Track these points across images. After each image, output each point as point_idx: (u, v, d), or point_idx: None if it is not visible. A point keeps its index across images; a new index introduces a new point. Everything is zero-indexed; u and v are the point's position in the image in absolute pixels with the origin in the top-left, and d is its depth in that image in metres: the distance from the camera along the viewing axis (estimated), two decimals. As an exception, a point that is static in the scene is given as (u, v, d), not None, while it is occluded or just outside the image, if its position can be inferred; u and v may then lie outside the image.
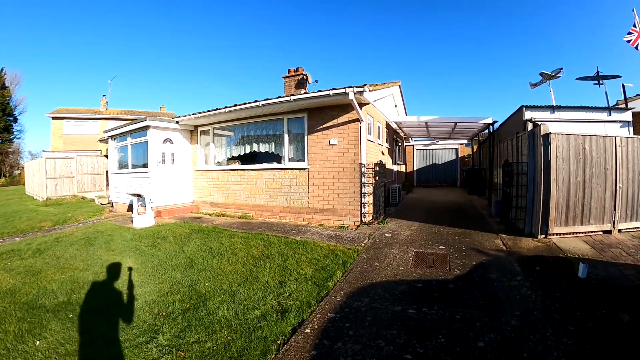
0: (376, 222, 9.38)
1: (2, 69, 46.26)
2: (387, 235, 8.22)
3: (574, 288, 4.70)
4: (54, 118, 27.46)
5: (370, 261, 6.37)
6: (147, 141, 11.76)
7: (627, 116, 9.57)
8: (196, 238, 8.18)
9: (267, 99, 9.50)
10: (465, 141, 22.62)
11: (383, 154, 12.33)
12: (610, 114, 9.47)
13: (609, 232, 7.47)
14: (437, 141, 22.84)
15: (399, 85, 15.03)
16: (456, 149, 23.30)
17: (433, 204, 13.39)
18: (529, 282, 5.02)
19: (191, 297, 5.05)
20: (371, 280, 5.40)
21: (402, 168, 20.43)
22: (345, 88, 8.26)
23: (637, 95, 12.46)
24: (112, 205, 14.49)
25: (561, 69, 14.59)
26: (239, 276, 5.78)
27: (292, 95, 9.08)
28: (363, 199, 9.05)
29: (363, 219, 9.15)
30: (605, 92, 12.60)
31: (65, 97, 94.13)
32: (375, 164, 9.39)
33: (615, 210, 7.48)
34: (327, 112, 9.52)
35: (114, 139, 14.19)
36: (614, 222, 7.48)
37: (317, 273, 5.77)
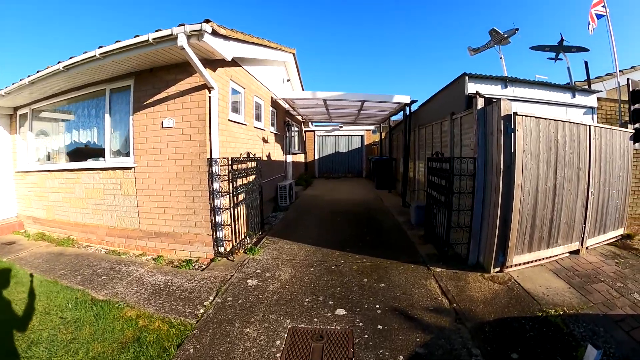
0: (242, 250, 5.88)
1: None
2: (250, 282, 4.76)
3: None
4: None
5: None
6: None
7: (592, 101, 7.35)
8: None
9: (71, 58, 5.50)
10: (373, 127, 20.15)
11: (265, 141, 8.78)
12: (574, 96, 7.09)
13: (576, 252, 5.58)
14: (341, 127, 20.01)
15: (294, 55, 11.52)
16: (362, 136, 20.70)
17: (334, 206, 10.24)
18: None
19: None
20: None
21: (301, 158, 17.18)
22: (172, 28, 4.56)
23: (597, 77, 10.37)
24: None
25: (517, 29, 12.21)
26: None
27: (101, 47, 5.10)
28: (217, 217, 5.46)
29: (219, 248, 5.58)
30: (568, 68, 10.46)
31: None
32: (236, 159, 5.74)
33: (585, 223, 5.56)
34: (162, 77, 5.72)
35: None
36: (582, 239, 5.60)
37: None
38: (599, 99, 7.48)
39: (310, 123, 19.02)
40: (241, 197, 5.96)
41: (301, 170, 17.16)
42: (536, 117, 4.75)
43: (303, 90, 13.86)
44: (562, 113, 6.73)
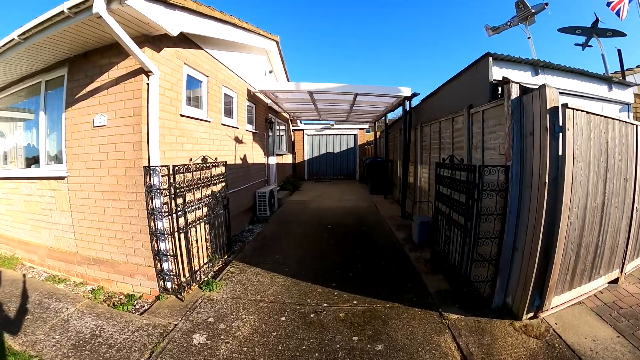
0: (196, 284, 4.53)
1: None
2: (197, 339, 3.45)
3: None
4: None
5: None
6: None
7: (628, 96, 6.17)
8: None
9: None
10: (366, 126, 18.75)
11: (240, 141, 7.42)
12: (610, 89, 5.87)
13: (615, 281, 4.48)
14: (333, 125, 18.60)
15: (277, 43, 10.13)
16: (355, 135, 19.25)
17: (322, 218, 8.70)
18: None
19: None
20: None
21: (288, 159, 15.76)
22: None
23: (628, 69, 9.06)
24: None
25: (546, 4, 10.85)
26: None
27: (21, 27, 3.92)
28: (159, 244, 4.12)
29: (165, 283, 4.25)
30: (602, 56, 9.12)
31: None
32: (184, 167, 4.31)
33: (627, 246, 4.47)
34: (95, 61, 4.38)
35: None
36: (622, 264, 4.50)
37: None
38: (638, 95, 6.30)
39: (299, 121, 17.65)
40: (194, 215, 4.60)
41: (288, 172, 15.75)
42: (587, 113, 3.52)
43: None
44: (598, 109, 5.53)
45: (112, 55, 4.21)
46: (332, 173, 19.38)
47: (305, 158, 19.23)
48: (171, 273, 4.18)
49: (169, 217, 3.97)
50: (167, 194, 3.91)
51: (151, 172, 3.88)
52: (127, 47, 3.63)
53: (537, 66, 4.95)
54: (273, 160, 11.07)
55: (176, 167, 3.95)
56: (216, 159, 5.21)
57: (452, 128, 5.38)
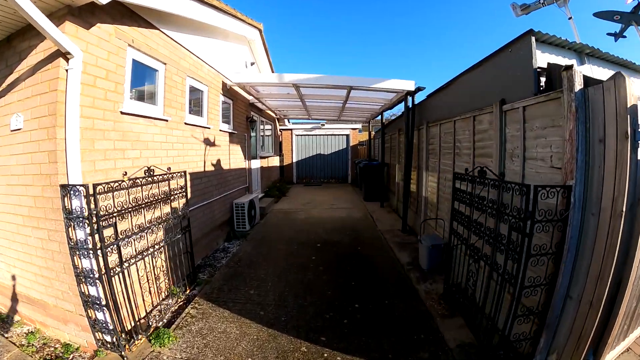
0: (144, 336, 3.44)
1: None
2: None
3: None
4: None
5: None
6: None
7: None
8: None
9: None
10: (359, 125, 17.64)
11: (212, 143, 6.31)
12: None
13: None
14: (324, 124, 17.49)
15: (261, 32, 9.01)
16: (347, 135, 18.13)
17: (310, 233, 7.40)
18: None
19: None
20: None
21: (274, 161, 14.60)
22: None
23: None
24: None
25: None
26: None
27: None
28: (89, 288, 3.05)
29: (103, 335, 3.17)
30: None
31: None
32: (116, 183, 3.19)
33: None
34: (16, 46, 3.31)
35: None
36: None
37: None
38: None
39: (286, 120, 16.51)
40: (135, 248, 3.49)
41: (275, 176, 14.60)
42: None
43: (274, 79, 11.29)
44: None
45: (32, 37, 3.16)
46: (323, 176, 18.27)
47: (294, 160, 18.08)
48: (107, 325, 3.10)
49: (97, 254, 2.87)
50: (87, 221, 2.81)
51: (70, 192, 2.79)
52: (24, 11, 2.54)
53: (582, 53, 3.94)
54: (256, 163, 9.97)
55: (99, 186, 2.84)
56: (169, 168, 4.11)
57: (472, 129, 4.31)
